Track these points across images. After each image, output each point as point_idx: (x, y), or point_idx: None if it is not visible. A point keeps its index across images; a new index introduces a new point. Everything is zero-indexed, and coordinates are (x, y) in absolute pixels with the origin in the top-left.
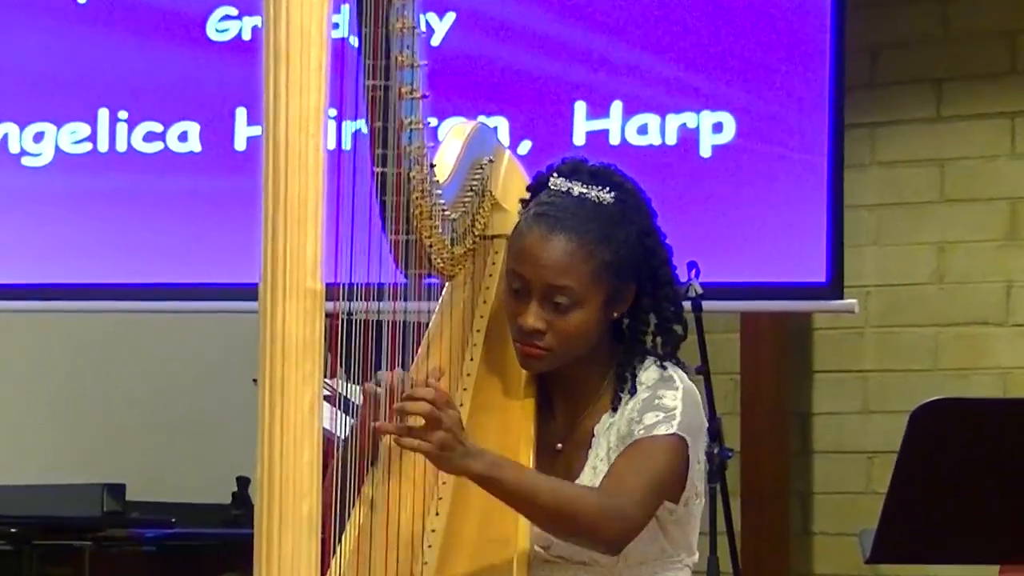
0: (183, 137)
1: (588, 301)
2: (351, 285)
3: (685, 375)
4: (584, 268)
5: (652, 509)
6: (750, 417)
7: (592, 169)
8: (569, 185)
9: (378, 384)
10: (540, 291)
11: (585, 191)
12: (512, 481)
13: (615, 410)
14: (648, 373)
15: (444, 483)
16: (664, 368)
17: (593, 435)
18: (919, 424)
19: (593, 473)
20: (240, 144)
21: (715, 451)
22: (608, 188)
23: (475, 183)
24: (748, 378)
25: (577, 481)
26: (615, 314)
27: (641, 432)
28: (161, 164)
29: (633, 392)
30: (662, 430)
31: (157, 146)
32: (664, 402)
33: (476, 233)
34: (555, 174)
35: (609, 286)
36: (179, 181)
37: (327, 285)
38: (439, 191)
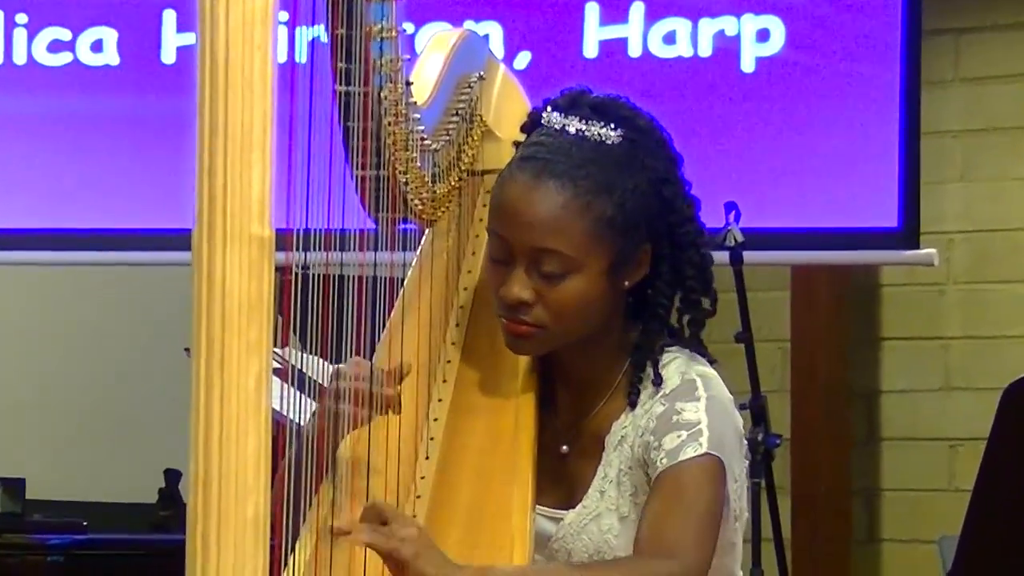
0: (97, 47)
1: (585, 267)
2: (307, 231)
3: (710, 371)
4: (577, 225)
5: (711, 549)
6: (803, 396)
7: (596, 101)
8: (564, 121)
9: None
10: (525, 255)
11: (584, 128)
12: None
13: (633, 406)
14: (668, 371)
15: (423, 478)
16: (684, 367)
17: (603, 447)
18: (1014, 404)
19: (600, 498)
20: (168, 56)
21: (759, 438)
22: (614, 124)
23: (462, 106)
24: (800, 347)
25: (582, 506)
26: (626, 283)
27: (664, 461)
28: (70, 80)
29: (658, 383)
30: (689, 452)
31: (65, 58)
32: (685, 417)
33: (463, 168)
34: (549, 108)
35: (612, 248)
36: (92, 102)
37: (277, 231)
38: (417, 115)
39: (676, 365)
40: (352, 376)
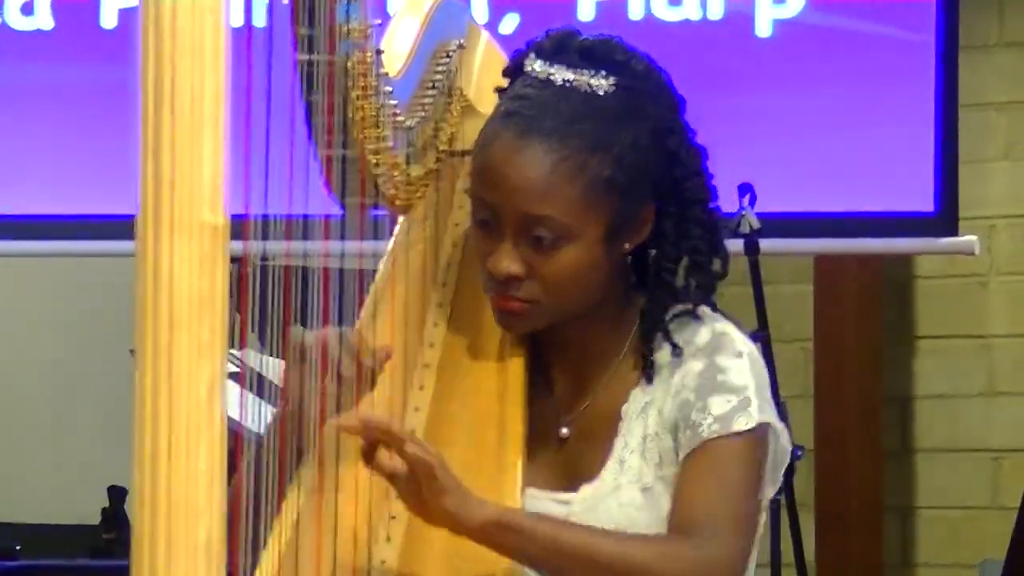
0: (27, 8)
1: (581, 234)
2: (266, 218)
3: (731, 326)
4: (571, 189)
5: (755, 534)
6: (828, 402)
7: (585, 45)
8: (550, 71)
9: (301, 344)
10: (513, 224)
11: (572, 78)
12: (547, 537)
13: (649, 380)
14: (692, 332)
15: (398, 497)
16: (704, 320)
17: (620, 418)
18: None
19: (620, 469)
20: (108, 20)
21: None
22: (606, 71)
23: (439, 78)
24: (825, 348)
25: (600, 480)
26: (627, 245)
27: (714, 428)
28: None
29: (677, 354)
30: (741, 424)
31: None
32: (730, 379)
33: (441, 148)
34: (532, 54)
35: (611, 211)
36: (23, 71)
37: (232, 218)
38: (389, 88)
39: (694, 325)
40: (320, 347)
